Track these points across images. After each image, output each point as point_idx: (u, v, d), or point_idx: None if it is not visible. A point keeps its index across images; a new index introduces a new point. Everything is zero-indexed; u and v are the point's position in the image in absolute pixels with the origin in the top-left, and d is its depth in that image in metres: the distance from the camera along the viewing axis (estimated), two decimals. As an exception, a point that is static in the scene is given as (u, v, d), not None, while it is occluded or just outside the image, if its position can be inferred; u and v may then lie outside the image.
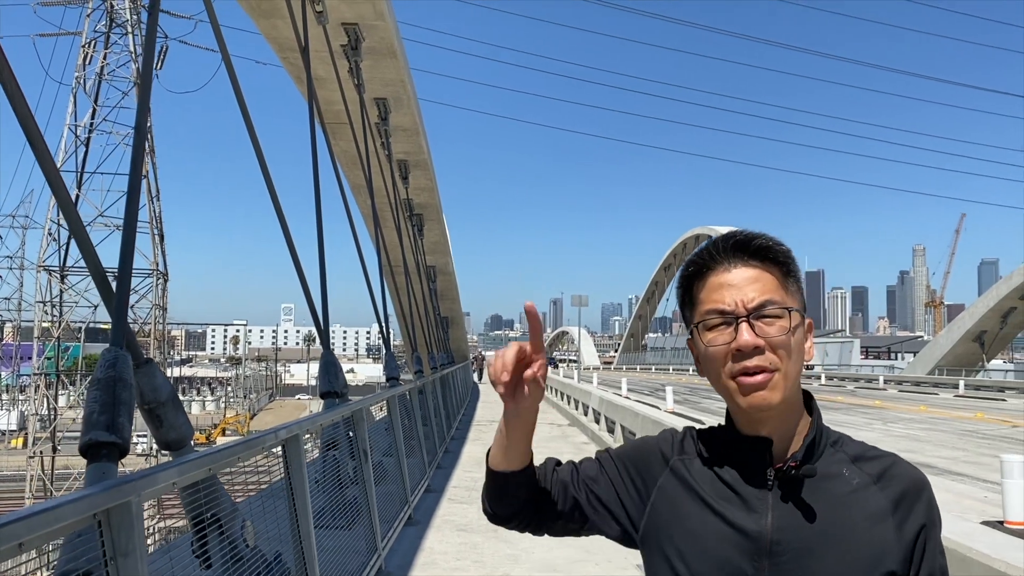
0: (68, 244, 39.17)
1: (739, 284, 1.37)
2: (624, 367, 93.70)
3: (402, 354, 33.70)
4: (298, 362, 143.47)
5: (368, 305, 13.61)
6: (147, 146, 42.20)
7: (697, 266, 1.43)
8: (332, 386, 7.67)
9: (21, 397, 58.12)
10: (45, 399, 40.52)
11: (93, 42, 43.06)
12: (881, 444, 1.45)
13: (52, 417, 39.87)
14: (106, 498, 2.55)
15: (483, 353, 62.41)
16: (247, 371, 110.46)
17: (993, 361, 54.71)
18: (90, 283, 38.44)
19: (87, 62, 42.70)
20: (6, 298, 58.38)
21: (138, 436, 38.15)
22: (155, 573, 3.22)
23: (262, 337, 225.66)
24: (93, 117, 41.78)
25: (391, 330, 15.63)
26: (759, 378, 1.32)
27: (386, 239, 17.26)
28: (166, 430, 4.26)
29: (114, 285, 4.36)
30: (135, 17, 43.17)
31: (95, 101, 42.10)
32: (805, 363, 1.42)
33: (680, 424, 1.63)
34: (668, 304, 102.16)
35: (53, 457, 38.60)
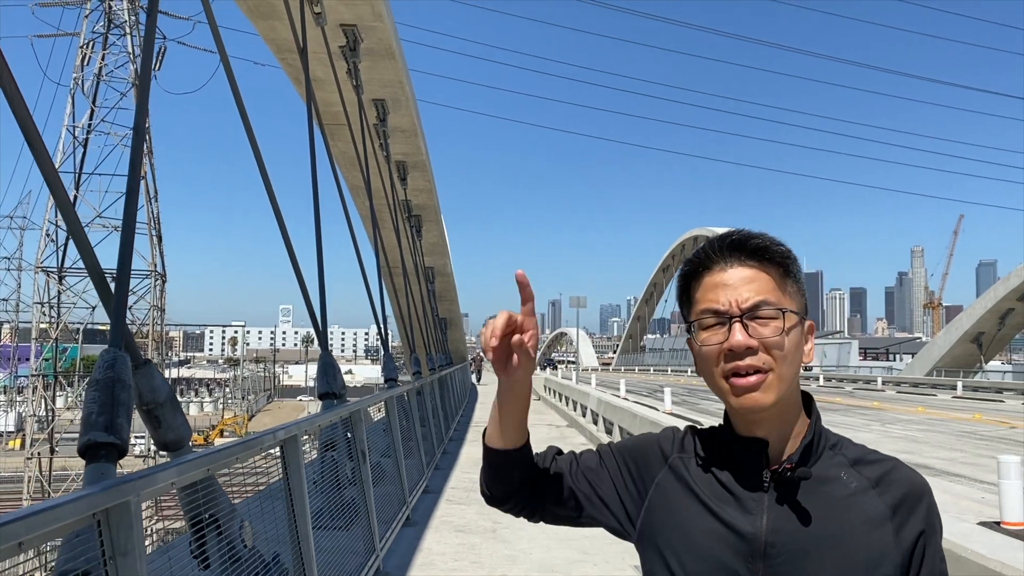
0: (66, 245, 39.12)
1: (734, 284, 1.36)
2: (622, 368, 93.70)
3: (400, 355, 33.70)
4: (296, 363, 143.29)
5: (366, 306, 13.63)
6: (145, 147, 42.11)
7: (694, 265, 1.43)
8: (330, 387, 7.67)
9: (19, 398, 58.00)
10: (43, 400, 40.44)
11: (91, 43, 42.99)
12: (879, 445, 1.45)
13: (50, 418, 39.80)
14: (105, 498, 2.56)
15: (481, 355, 62.36)
16: (245, 372, 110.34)
17: (991, 362, 54.69)
18: (88, 284, 38.42)
19: (85, 63, 42.63)
20: (4, 299, 58.22)
21: (136, 437, 38.14)
22: (153, 573, 3.22)
23: (260, 338, 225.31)
24: (91, 118, 41.70)
25: (389, 331, 15.64)
26: (752, 379, 1.32)
27: (384, 240, 17.26)
28: (164, 431, 4.26)
29: (113, 286, 4.36)
30: (133, 18, 43.11)
31: (93, 102, 42.02)
32: (804, 365, 1.40)
33: (679, 425, 1.63)
34: (666, 305, 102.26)
35: (51, 458, 38.53)
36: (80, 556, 2.54)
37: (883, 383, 43.93)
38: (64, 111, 42.02)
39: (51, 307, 40.51)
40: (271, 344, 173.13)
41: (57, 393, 41.53)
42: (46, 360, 41.15)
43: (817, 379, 46.86)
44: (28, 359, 44.48)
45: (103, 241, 38.62)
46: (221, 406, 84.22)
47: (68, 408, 41.28)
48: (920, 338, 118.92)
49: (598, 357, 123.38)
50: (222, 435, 64.35)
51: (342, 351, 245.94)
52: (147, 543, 2.82)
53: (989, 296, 50.83)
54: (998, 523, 6.83)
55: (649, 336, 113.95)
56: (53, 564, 2.83)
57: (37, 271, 41.05)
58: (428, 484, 11.54)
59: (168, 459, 4.04)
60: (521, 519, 1.61)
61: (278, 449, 4.74)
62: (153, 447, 35.78)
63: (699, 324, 1.39)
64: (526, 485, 1.54)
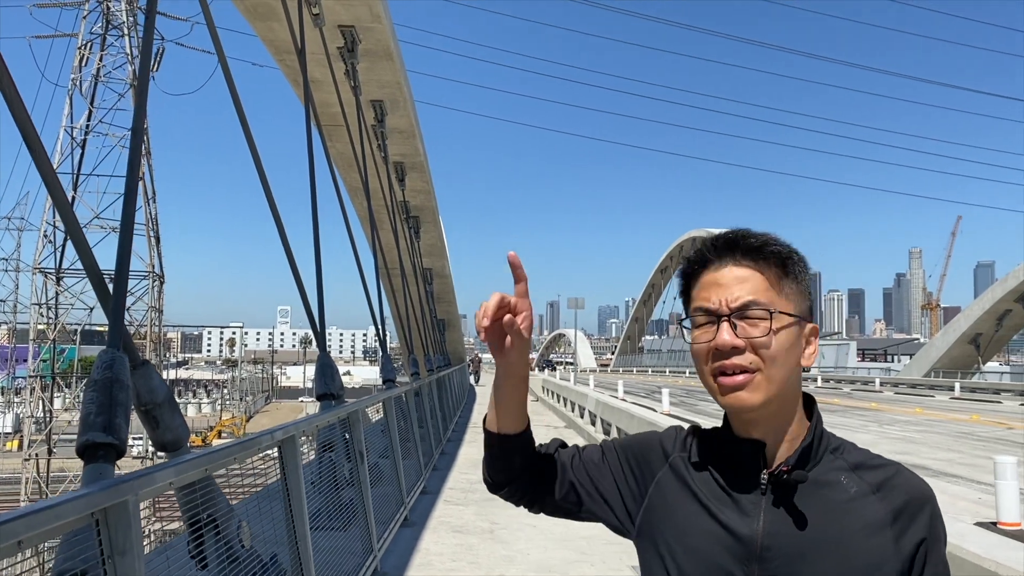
0: (64, 246, 39.09)
1: (727, 283, 1.37)
2: (620, 369, 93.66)
3: (398, 356, 33.72)
4: (294, 364, 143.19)
5: (364, 308, 13.64)
6: (143, 148, 42.08)
7: (692, 264, 1.44)
8: (328, 388, 7.67)
9: (16, 399, 57.95)
10: (41, 401, 40.40)
11: (89, 44, 42.97)
12: (876, 446, 1.46)
13: (48, 420, 39.76)
14: (104, 497, 2.56)
15: (480, 355, 62.33)
16: (243, 373, 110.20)
17: (989, 363, 54.79)
18: (85, 285, 38.42)
19: (83, 64, 42.61)
20: (1, 300, 58.03)
21: (134, 439, 38.08)
22: (151, 573, 3.23)
23: (258, 339, 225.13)
24: (89, 119, 41.68)
25: (387, 333, 15.63)
26: (739, 378, 1.32)
27: (382, 241, 17.27)
28: (162, 431, 4.27)
29: (111, 287, 4.36)
30: (131, 19, 43.09)
31: (91, 103, 42.01)
32: (804, 368, 1.39)
33: (682, 425, 1.64)
34: (665, 306, 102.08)
35: (48, 460, 38.49)
36: (78, 556, 2.55)
37: (881, 384, 43.98)
38: (62, 112, 41.99)
39: (49, 308, 40.46)
40: (269, 345, 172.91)
41: (55, 394, 41.47)
42: (44, 361, 41.11)
43: (815, 380, 46.89)
44: (26, 360, 44.45)
45: (101, 242, 38.59)
46: (219, 407, 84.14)
47: (66, 409, 41.22)
48: (918, 339, 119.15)
49: (596, 358, 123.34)
50: (220, 436, 64.22)
51: (340, 352, 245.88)
52: (144, 543, 2.83)
53: (987, 297, 50.94)
54: (994, 523, 6.85)
55: (647, 337, 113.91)
56: (51, 564, 2.83)
57: (35, 272, 41.00)
58: (426, 485, 11.55)
59: (166, 460, 4.04)
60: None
61: (276, 450, 4.75)
62: (151, 448, 35.76)
63: (693, 322, 1.41)
64: (526, 472, 1.54)
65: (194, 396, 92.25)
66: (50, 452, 38.55)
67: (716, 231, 1.50)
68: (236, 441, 4.27)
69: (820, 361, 66.93)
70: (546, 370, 59.64)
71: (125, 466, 3.74)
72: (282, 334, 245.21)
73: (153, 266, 43.50)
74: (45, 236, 40.46)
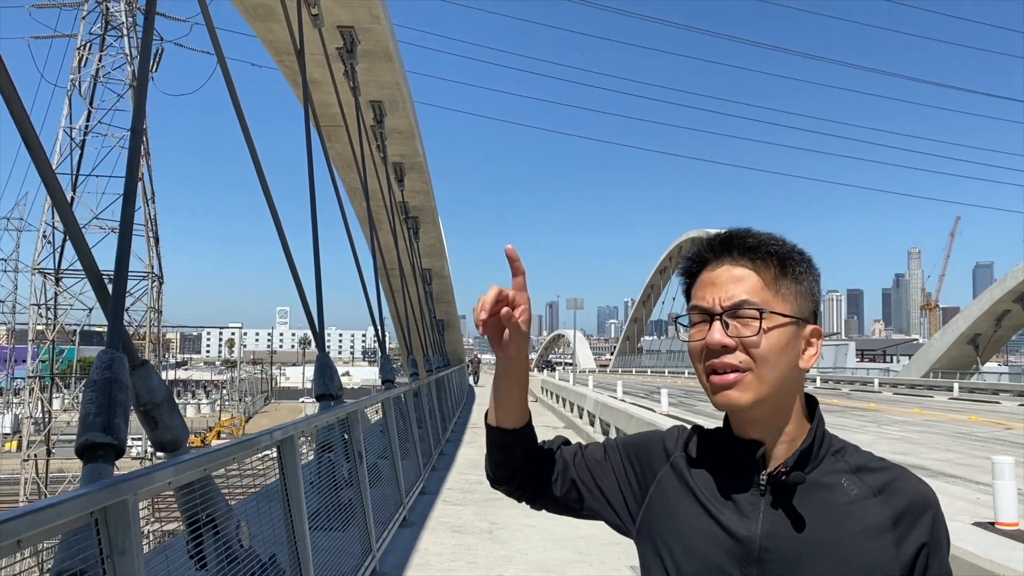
0: (63, 246, 39.08)
1: (722, 282, 1.37)
2: (620, 370, 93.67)
3: (398, 357, 33.69)
4: (293, 365, 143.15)
5: (364, 308, 13.62)
6: (142, 148, 42.05)
7: (691, 263, 1.45)
8: (327, 388, 7.67)
9: (15, 400, 57.88)
10: (39, 402, 40.38)
11: (88, 44, 42.96)
12: (875, 446, 1.46)
13: (46, 420, 39.75)
14: (104, 496, 2.57)
15: (479, 356, 62.39)
16: (242, 374, 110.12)
17: (987, 364, 54.83)
18: (84, 286, 38.43)
19: (82, 64, 42.60)
20: (0, 301, 58.13)
21: (133, 439, 38.04)
22: (150, 573, 3.23)
23: (257, 340, 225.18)
24: (88, 119, 41.67)
25: (387, 333, 15.63)
26: (729, 377, 1.32)
27: (382, 242, 17.28)
28: (161, 431, 4.27)
29: (110, 287, 4.36)
30: (131, 20, 43.09)
31: (90, 103, 42.00)
32: (804, 370, 1.37)
33: (685, 424, 1.65)
34: (664, 307, 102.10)
35: (47, 460, 38.49)
36: (78, 555, 2.55)
37: (880, 384, 43.97)
38: (61, 112, 41.97)
39: (48, 309, 40.45)
40: (268, 346, 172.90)
41: (54, 395, 41.48)
42: (43, 362, 41.11)
43: (814, 380, 46.89)
44: (25, 361, 44.41)
45: (100, 242, 38.62)
46: (218, 408, 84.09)
47: (65, 410, 41.22)
48: (917, 340, 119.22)
49: (595, 359, 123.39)
50: (219, 437, 64.19)
51: (339, 353, 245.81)
52: (143, 543, 2.83)
53: (985, 298, 50.97)
54: (992, 523, 6.85)
55: (646, 338, 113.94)
56: (51, 564, 2.84)
57: (34, 273, 40.99)
58: (425, 485, 11.55)
59: (165, 460, 4.05)
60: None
61: (275, 450, 4.75)
62: (150, 449, 35.72)
63: (689, 321, 1.41)
64: (528, 467, 1.54)
65: (193, 397, 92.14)
66: (49, 453, 38.55)
67: (715, 231, 1.50)
68: (235, 441, 4.28)
69: (819, 362, 66.71)
70: (545, 371, 59.65)
71: (124, 466, 3.74)
72: (281, 335, 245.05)
73: (152, 266, 43.48)
74: (44, 237, 40.46)
